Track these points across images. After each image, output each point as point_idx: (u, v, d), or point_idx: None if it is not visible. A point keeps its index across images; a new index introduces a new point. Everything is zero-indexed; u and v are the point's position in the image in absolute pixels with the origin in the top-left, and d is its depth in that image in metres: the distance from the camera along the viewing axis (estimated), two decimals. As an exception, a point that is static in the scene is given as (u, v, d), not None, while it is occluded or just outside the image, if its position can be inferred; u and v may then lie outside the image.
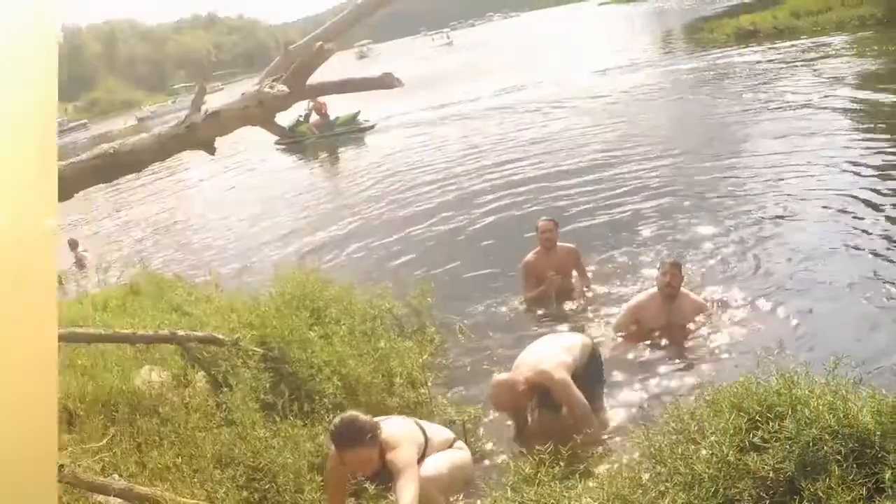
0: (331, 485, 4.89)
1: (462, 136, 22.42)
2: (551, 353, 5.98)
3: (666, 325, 7.29)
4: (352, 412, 4.72)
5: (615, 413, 6.14)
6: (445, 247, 11.80)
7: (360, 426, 4.57)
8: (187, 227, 18.98)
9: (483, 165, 17.37)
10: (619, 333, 7.48)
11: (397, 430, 4.78)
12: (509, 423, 6.18)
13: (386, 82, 4.43)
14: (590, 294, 8.60)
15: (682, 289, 7.46)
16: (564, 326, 7.82)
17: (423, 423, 5.16)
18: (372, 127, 27.66)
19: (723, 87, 21.20)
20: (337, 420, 4.65)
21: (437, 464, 4.88)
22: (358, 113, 27.50)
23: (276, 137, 27.11)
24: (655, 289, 7.47)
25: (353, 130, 27.35)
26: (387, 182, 18.12)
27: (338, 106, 26.36)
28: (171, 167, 28.62)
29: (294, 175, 23.89)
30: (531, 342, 6.38)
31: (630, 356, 7.07)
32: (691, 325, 7.25)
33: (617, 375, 6.68)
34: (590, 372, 6.06)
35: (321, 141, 27.16)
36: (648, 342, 7.21)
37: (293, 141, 27.50)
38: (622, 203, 11.84)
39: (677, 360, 6.82)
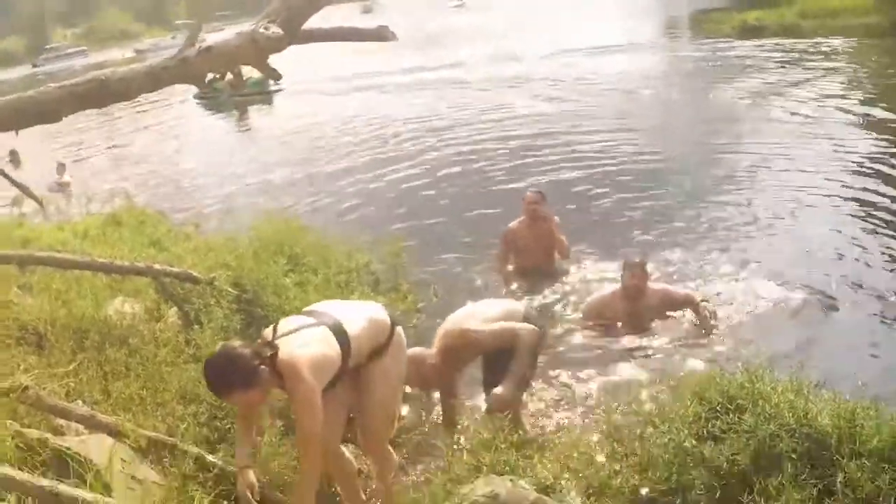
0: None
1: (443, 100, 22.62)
2: (464, 314, 5.53)
3: (630, 320, 7.11)
4: (228, 345, 3.92)
5: (582, 390, 6.09)
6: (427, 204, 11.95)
7: (234, 367, 3.72)
8: (166, 164, 19.25)
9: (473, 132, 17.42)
10: (584, 322, 7.33)
11: (301, 347, 3.87)
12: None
13: (380, 34, 4.39)
14: (566, 267, 8.57)
15: (657, 285, 7.34)
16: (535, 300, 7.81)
17: (348, 318, 4.17)
18: (280, 90, 28.82)
19: (721, 79, 21.08)
20: (210, 355, 4.01)
21: (376, 404, 4.33)
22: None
23: (197, 90, 27.81)
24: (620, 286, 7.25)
25: (261, 92, 28.39)
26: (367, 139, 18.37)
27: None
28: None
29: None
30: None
31: (594, 344, 7.00)
32: (659, 322, 7.07)
33: (580, 359, 6.67)
34: None
35: (233, 98, 28.21)
36: (613, 335, 7.08)
37: (211, 96, 28.56)
38: (609, 187, 11.73)
39: (642, 353, 6.75)
